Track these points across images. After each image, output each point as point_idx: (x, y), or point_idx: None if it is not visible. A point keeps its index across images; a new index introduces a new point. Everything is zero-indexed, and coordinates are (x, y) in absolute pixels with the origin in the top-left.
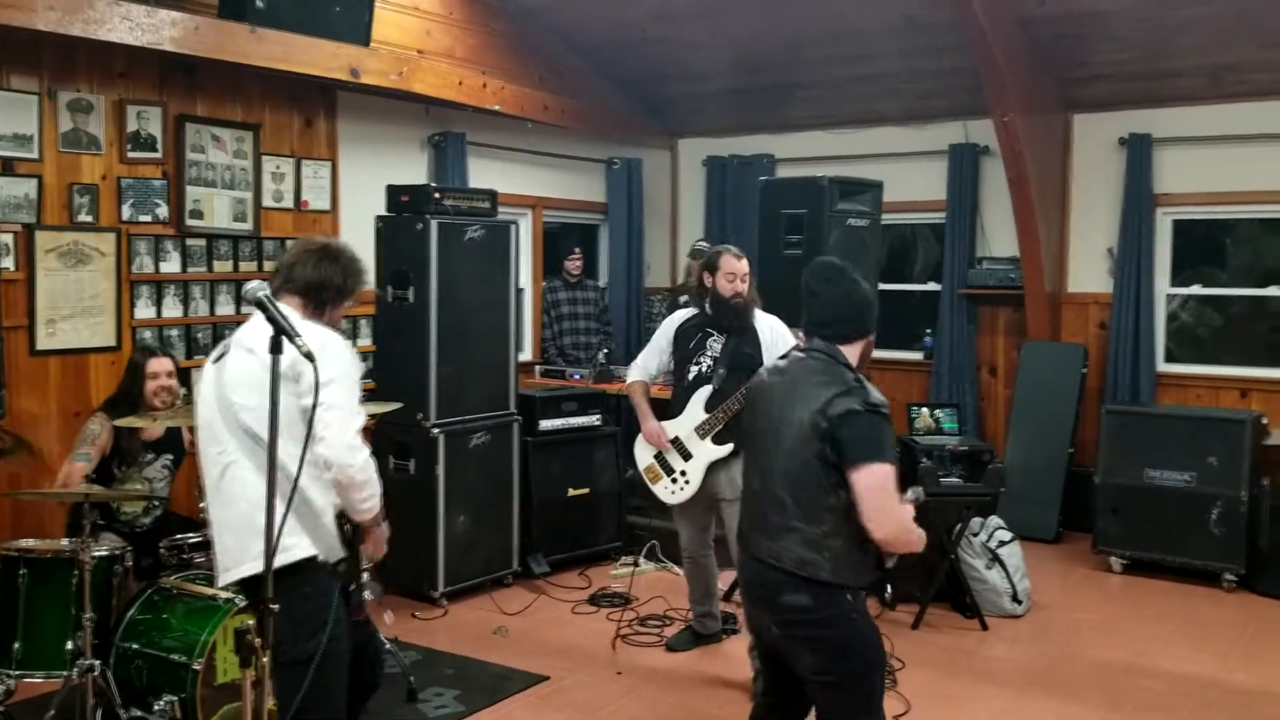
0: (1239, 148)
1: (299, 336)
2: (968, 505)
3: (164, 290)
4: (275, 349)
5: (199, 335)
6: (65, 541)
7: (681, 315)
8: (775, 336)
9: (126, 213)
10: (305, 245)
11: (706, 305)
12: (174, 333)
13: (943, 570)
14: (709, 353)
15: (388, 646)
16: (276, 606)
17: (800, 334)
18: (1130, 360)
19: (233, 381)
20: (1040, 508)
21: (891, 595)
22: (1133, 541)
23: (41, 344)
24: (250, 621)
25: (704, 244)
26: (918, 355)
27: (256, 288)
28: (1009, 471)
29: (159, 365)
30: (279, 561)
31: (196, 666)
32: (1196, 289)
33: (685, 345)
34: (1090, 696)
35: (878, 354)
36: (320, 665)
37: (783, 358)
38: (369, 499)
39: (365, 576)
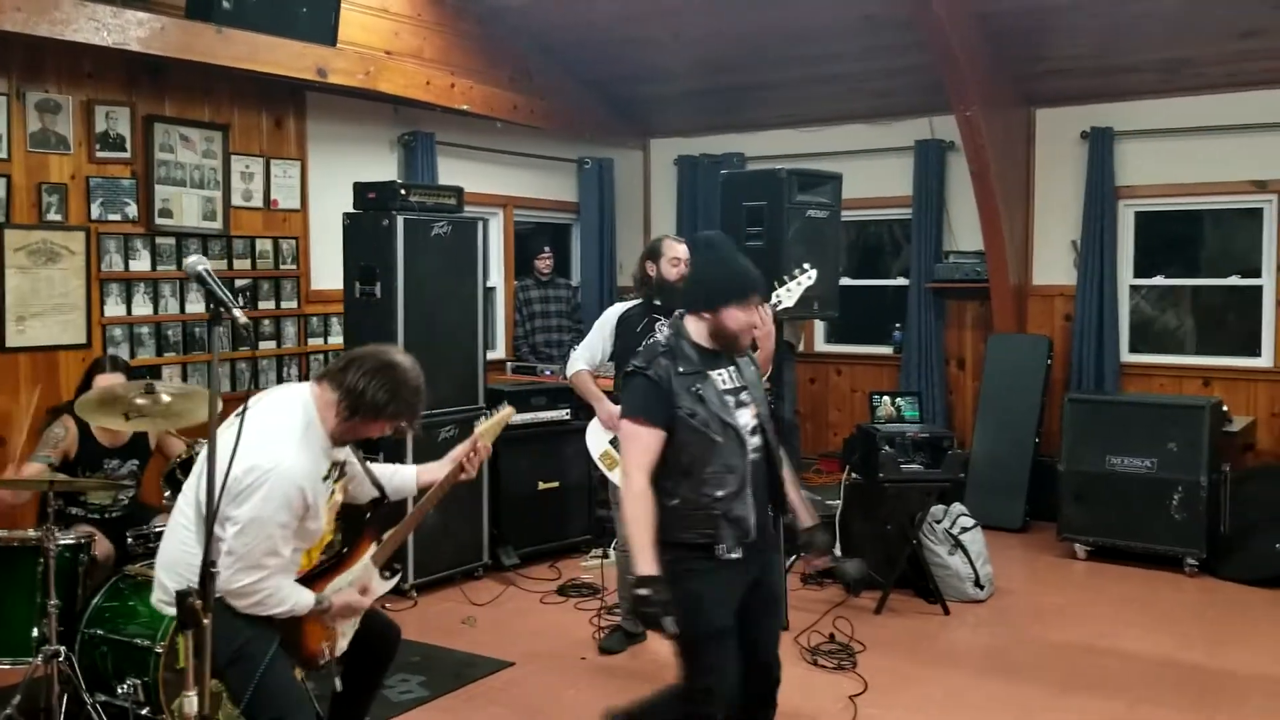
0: (1198, 140)
1: (236, 308)
2: (929, 492)
3: (134, 288)
4: (215, 320)
5: (169, 333)
6: (31, 530)
7: (622, 305)
8: None
9: (96, 211)
10: (376, 355)
11: (652, 293)
12: (144, 330)
13: (905, 556)
14: (658, 338)
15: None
16: (217, 569)
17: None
18: (1095, 351)
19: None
20: (1007, 498)
21: (855, 582)
22: (1096, 528)
23: (11, 341)
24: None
25: None
26: (888, 350)
27: (196, 261)
28: (976, 463)
29: (106, 380)
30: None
31: (159, 649)
32: (1159, 280)
33: (630, 332)
34: (1046, 676)
35: (848, 349)
36: (243, 668)
37: (784, 315)
38: (275, 612)
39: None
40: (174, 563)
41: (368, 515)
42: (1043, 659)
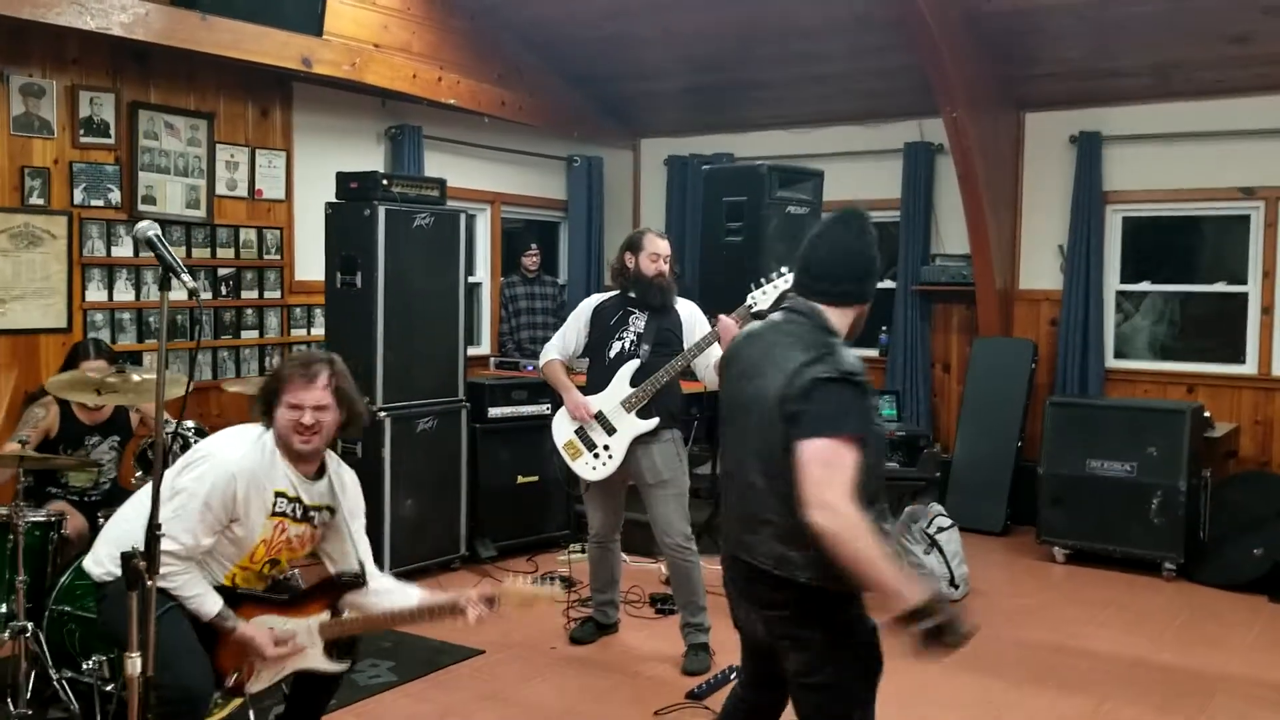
0: (1187, 146)
1: (185, 273)
2: (904, 491)
3: (116, 274)
4: (164, 285)
5: (151, 319)
6: (1, 508)
7: (598, 296)
8: (694, 319)
9: (78, 197)
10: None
11: (628, 286)
12: (125, 316)
13: None
14: (632, 329)
15: None
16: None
17: (722, 318)
18: (1079, 356)
19: None
20: (988, 501)
21: None
22: (1075, 531)
23: None
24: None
25: None
26: (873, 352)
27: (146, 226)
28: (958, 465)
29: (90, 367)
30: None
31: None
32: (1145, 286)
33: (605, 323)
34: (1015, 673)
35: None
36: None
37: (759, 317)
38: (176, 595)
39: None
40: (117, 538)
41: (337, 579)
42: (1013, 657)
